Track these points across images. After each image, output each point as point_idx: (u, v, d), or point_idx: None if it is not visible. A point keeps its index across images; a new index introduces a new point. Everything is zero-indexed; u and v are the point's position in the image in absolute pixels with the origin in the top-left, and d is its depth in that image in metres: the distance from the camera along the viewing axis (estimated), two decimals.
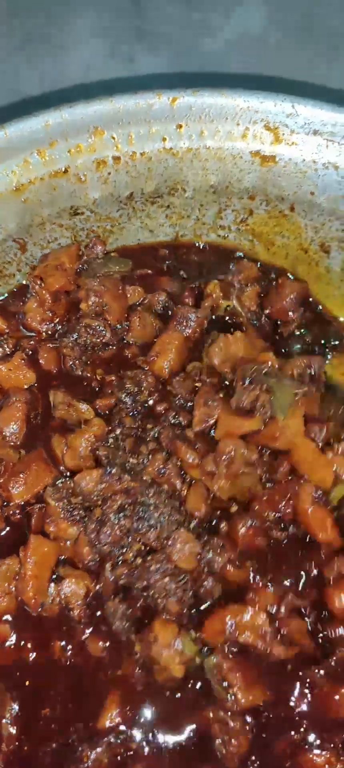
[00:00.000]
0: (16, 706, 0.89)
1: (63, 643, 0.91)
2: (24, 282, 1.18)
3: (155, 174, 1.18)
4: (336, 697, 0.87)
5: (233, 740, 0.87)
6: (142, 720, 0.88)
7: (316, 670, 0.88)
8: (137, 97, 1.13)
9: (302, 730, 0.88)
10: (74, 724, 0.89)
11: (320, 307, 1.21)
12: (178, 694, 0.90)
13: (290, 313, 1.17)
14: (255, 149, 1.17)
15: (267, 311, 1.17)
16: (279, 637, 0.91)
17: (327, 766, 0.86)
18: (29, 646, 0.92)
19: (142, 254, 1.25)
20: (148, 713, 0.89)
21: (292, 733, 0.87)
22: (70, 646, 0.91)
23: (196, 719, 0.89)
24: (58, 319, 1.12)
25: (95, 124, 1.13)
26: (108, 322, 1.10)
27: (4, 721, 0.89)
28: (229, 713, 0.88)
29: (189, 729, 0.89)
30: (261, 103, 1.14)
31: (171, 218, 1.24)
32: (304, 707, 0.88)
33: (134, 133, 1.15)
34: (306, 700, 0.88)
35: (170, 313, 1.13)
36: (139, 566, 0.93)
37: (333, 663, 0.89)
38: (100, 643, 0.92)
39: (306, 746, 0.87)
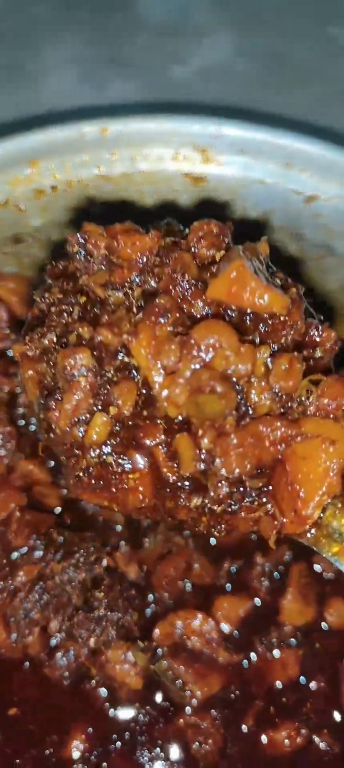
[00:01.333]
0: None
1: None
2: None
3: (93, 199, 1.24)
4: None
5: (209, 740, 0.91)
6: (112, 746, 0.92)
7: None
8: (69, 128, 1.19)
9: (260, 702, 0.93)
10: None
11: None
12: (145, 716, 0.93)
13: None
14: (187, 171, 1.22)
15: None
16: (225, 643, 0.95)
17: (287, 740, 0.91)
18: None
19: None
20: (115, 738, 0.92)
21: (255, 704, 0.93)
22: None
23: (170, 733, 0.92)
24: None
25: (31, 156, 1.19)
26: None
27: None
28: (195, 715, 0.92)
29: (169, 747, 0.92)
30: (187, 127, 1.19)
31: None
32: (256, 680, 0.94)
33: (69, 162, 1.21)
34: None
35: None
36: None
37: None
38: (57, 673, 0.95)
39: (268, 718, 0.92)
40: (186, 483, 0.80)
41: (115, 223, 0.86)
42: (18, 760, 0.90)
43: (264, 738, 0.92)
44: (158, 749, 0.91)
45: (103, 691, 0.94)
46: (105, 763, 0.90)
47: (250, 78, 1.88)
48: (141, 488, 0.81)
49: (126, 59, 1.94)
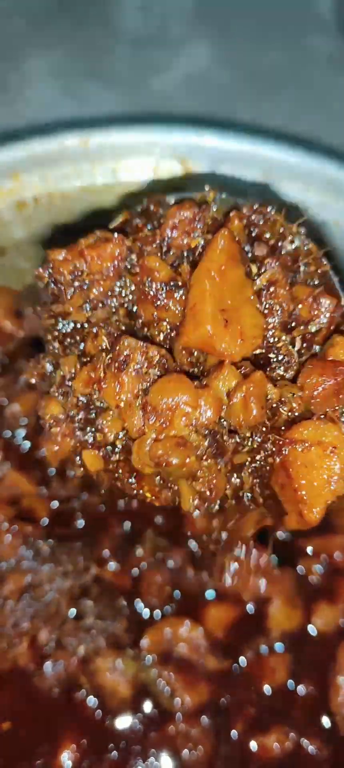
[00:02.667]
0: None
1: None
2: None
3: (74, 211, 1.25)
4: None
5: (199, 746, 0.91)
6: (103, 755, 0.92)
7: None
8: (51, 140, 1.20)
9: (249, 708, 0.94)
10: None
11: None
12: (136, 724, 0.93)
13: None
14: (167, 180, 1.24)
15: None
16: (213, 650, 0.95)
17: (277, 744, 0.91)
18: None
19: None
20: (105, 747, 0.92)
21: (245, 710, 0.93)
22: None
23: (160, 741, 0.92)
24: None
25: (12, 169, 1.21)
26: None
27: None
28: (185, 721, 0.92)
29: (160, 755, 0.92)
30: (167, 138, 1.21)
31: None
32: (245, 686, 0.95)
33: (51, 174, 1.22)
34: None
35: None
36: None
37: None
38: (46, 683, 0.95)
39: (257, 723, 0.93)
40: None
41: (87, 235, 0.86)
42: None
43: (253, 744, 0.92)
44: (151, 758, 0.91)
45: (93, 701, 0.94)
46: None
47: (227, 87, 1.91)
48: None
49: (106, 71, 1.96)
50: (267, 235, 0.87)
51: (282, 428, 0.80)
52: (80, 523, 1.04)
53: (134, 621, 0.98)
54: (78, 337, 0.85)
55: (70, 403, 0.82)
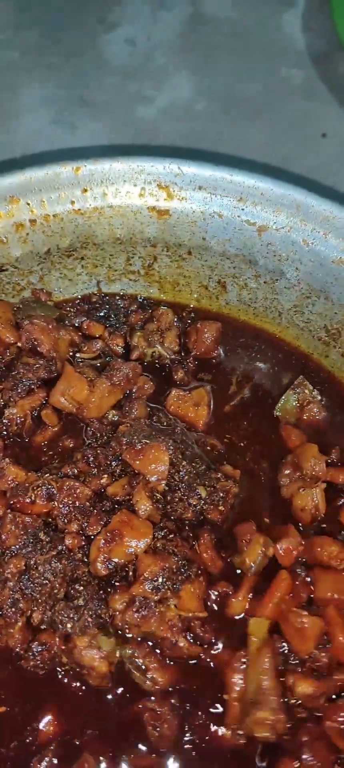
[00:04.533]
0: None
1: None
2: None
3: (68, 232, 1.37)
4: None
5: (164, 724, 1.00)
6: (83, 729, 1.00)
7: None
8: (46, 168, 1.32)
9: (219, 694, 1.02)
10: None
11: None
12: (109, 696, 1.02)
13: (214, 353, 1.35)
14: (152, 205, 1.36)
15: (193, 353, 1.35)
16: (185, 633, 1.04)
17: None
18: None
19: (77, 303, 1.43)
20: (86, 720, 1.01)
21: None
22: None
23: (129, 714, 1.01)
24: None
25: (11, 194, 1.32)
26: (42, 354, 1.26)
27: None
28: (155, 699, 1.01)
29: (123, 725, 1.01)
30: (152, 167, 1.33)
31: (86, 268, 1.42)
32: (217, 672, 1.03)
33: (46, 199, 1.34)
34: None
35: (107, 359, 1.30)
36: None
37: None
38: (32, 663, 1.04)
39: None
40: None
41: None
42: (2, 750, 0.99)
43: (222, 729, 1.00)
44: (125, 729, 1.00)
45: (75, 677, 1.02)
46: (81, 745, 0.98)
47: (209, 116, 2.04)
48: None
49: (94, 100, 2.08)
50: None
51: None
52: None
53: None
54: None
55: None
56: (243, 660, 1.00)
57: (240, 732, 0.98)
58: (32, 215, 1.34)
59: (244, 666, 1.00)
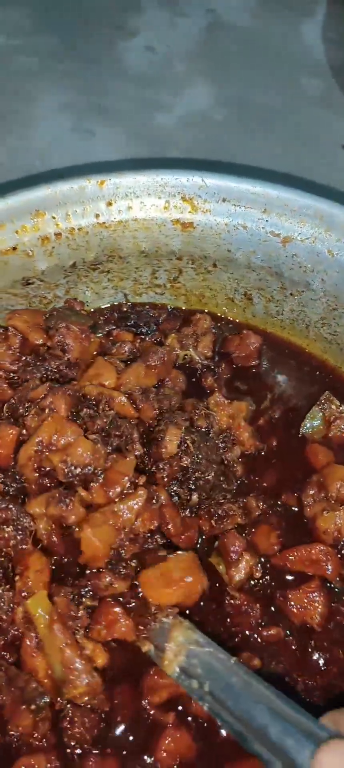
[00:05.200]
0: None
1: None
2: None
3: (93, 245, 1.37)
4: None
5: None
6: None
7: None
8: (71, 182, 1.33)
9: None
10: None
11: None
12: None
13: (253, 362, 1.36)
14: (176, 218, 1.36)
15: (234, 354, 1.36)
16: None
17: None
18: None
19: (107, 312, 1.44)
20: None
21: None
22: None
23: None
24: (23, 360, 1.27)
25: (37, 207, 1.33)
26: (69, 360, 1.25)
27: None
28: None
29: None
30: (176, 179, 1.33)
31: (112, 281, 1.43)
32: None
33: (71, 212, 1.34)
34: None
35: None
36: None
37: None
38: None
39: None
40: None
41: None
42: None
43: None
44: None
45: None
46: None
47: (226, 125, 2.04)
48: None
49: (112, 107, 2.09)
50: None
51: None
52: None
53: None
54: None
55: None
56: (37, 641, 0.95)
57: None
58: (57, 228, 1.35)
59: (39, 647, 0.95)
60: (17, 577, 0.99)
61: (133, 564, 1.01)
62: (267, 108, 2.01)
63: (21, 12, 2.26)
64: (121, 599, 0.98)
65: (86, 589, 0.97)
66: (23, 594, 0.97)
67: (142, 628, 0.96)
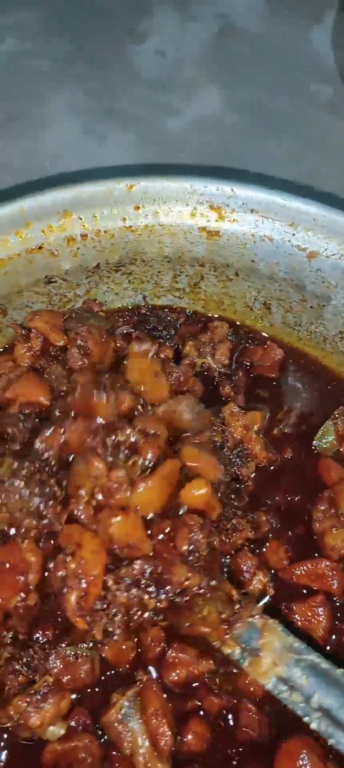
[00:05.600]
0: None
1: None
2: (6, 345, 1.36)
3: (118, 248, 1.37)
4: None
5: None
6: None
7: None
8: (100, 184, 1.33)
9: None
10: None
11: None
12: None
13: (274, 374, 1.37)
14: (202, 225, 1.37)
15: (258, 364, 1.37)
16: None
17: None
18: None
19: (125, 314, 1.44)
20: None
21: None
22: None
23: None
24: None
25: (64, 208, 1.32)
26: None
27: None
28: None
29: None
30: (205, 187, 1.34)
31: (133, 283, 1.43)
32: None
33: (98, 214, 1.34)
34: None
35: None
36: None
37: None
38: None
39: None
40: None
41: None
42: None
43: None
44: None
45: None
46: None
47: (237, 130, 2.05)
48: None
49: (124, 111, 2.08)
50: None
51: None
52: None
53: None
54: None
55: None
56: None
57: None
58: (84, 230, 1.35)
59: None
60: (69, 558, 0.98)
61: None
62: (278, 113, 2.03)
63: (33, 15, 2.25)
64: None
65: None
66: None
67: (226, 627, 0.93)
